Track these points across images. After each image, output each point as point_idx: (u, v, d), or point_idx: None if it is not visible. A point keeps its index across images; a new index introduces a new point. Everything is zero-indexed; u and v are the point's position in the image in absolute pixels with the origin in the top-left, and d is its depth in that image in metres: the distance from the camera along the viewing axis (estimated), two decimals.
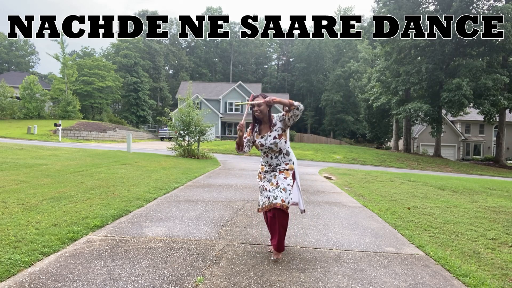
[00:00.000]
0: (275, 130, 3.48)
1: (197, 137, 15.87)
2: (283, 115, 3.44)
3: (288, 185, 3.42)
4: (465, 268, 3.43)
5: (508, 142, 42.37)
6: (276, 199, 3.35)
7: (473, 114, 40.30)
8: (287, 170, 3.50)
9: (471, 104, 27.43)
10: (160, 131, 41.50)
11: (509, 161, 38.09)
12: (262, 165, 3.64)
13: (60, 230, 3.80)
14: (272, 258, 3.40)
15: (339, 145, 42.29)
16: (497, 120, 31.15)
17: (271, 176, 3.51)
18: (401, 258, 3.66)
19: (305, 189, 7.95)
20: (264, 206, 3.45)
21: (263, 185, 3.54)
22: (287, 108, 3.35)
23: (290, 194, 3.41)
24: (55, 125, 26.82)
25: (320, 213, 5.51)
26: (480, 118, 35.72)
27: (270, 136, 3.48)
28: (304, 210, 3.76)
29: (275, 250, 3.42)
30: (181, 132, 15.75)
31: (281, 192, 3.39)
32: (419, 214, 5.88)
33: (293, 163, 3.54)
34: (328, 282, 2.93)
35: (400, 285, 2.97)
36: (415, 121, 33.09)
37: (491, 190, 9.75)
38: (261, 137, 3.52)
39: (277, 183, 3.44)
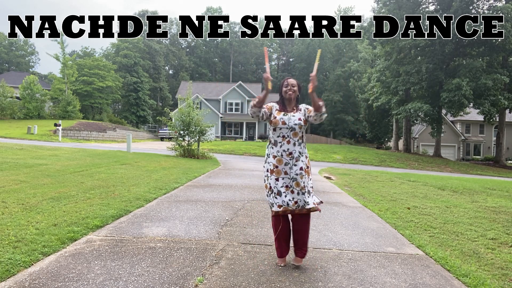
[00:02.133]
0: (300, 113, 3.13)
1: (197, 137, 15.87)
2: (307, 109, 3.14)
3: (312, 187, 3.20)
4: (465, 268, 3.43)
5: (508, 142, 42.37)
6: (308, 204, 3.08)
7: (473, 114, 40.31)
8: (309, 168, 3.19)
9: (471, 104, 27.46)
10: (160, 131, 41.51)
11: (509, 161, 38.10)
12: (275, 156, 3.07)
13: (60, 230, 3.80)
14: (293, 264, 3.21)
15: (339, 145, 42.29)
16: (497, 120, 31.17)
17: (297, 174, 3.05)
18: (401, 258, 3.66)
19: None
20: (288, 209, 3.06)
21: (284, 184, 3.05)
22: (313, 109, 3.03)
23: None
24: (55, 125, 26.83)
25: (320, 213, 5.50)
26: (480, 118, 35.73)
27: (294, 116, 3.08)
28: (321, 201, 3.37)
29: (301, 257, 3.21)
30: (181, 132, 15.74)
31: (312, 197, 3.13)
32: (419, 214, 5.88)
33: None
34: (328, 282, 2.93)
35: (400, 285, 2.97)
36: (415, 121, 33.12)
37: (491, 190, 9.75)
38: (284, 114, 3.09)
39: (304, 186, 3.08)
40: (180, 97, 17.97)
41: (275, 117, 3.08)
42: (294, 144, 3.05)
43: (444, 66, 27.87)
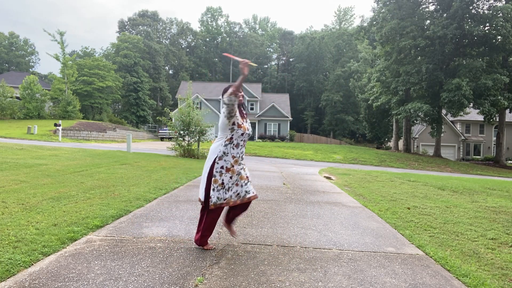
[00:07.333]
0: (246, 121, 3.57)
1: (197, 137, 15.88)
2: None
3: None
4: (465, 268, 3.43)
5: (508, 142, 42.36)
6: (249, 193, 3.47)
7: (473, 114, 40.29)
8: None
9: (471, 104, 27.46)
10: (160, 131, 41.52)
11: (509, 161, 38.10)
12: (234, 156, 3.38)
13: (60, 230, 3.80)
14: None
15: (339, 145, 42.29)
16: (497, 120, 31.16)
17: (241, 168, 3.45)
18: (401, 258, 3.66)
19: (305, 189, 7.95)
20: (233, 201, 3.40)
21: (236, 180, 3.41)
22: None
23: None
24: (55, 125, 26.83)
25: (320, 213, 5.51)
26: (480, 118, 35.72)
27: (247, 122, 3.54)
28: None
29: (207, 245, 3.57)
30: (181, 132, 15.75)
31: (251, 184, 3.53)
32: (419, 214, 5.88)
33: None
34: (328, 282, 2.93)
35: (400, 285, 2.97)
36: (415, 121, 33.12)
37: (491, 190, 9.75)
38: (245, 121, 3.50)
39: (247, 176, 3.49)
40: (180, 97, 17.98)
41: (242, 123, 3.41)
42: (244, 146, 3.46)
43: (444, 66, 27.87)
